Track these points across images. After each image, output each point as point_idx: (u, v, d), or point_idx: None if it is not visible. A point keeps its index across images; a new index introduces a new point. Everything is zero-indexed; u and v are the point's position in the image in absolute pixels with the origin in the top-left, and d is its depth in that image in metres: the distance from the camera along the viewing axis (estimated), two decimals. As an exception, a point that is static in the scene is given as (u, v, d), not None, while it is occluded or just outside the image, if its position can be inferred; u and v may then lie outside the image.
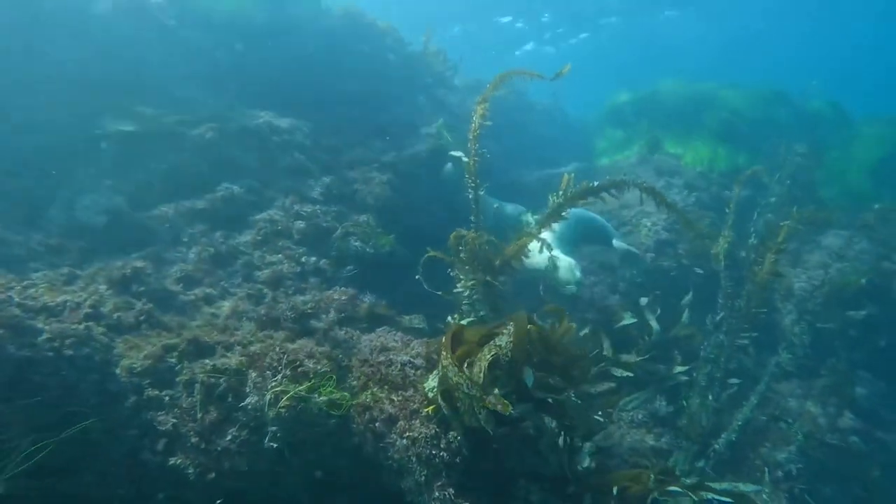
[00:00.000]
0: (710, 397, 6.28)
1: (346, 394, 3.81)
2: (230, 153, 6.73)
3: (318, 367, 3.90)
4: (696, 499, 4.29)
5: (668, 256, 7.44)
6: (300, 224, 6.05)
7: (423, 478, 3.44)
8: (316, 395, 3.76)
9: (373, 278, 5.82)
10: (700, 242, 7.48)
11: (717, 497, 4.30)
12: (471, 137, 4.58)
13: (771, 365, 6.91)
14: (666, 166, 8.97)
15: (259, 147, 6.93)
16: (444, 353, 3.61)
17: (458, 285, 4.59)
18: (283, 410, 3.71)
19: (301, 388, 3.78)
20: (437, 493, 3.37)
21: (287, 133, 7.15)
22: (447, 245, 4.71)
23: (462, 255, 4.61)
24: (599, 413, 5.27)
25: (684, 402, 6.07)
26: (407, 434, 3.53)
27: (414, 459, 3.48)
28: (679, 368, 6.51)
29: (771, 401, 6.58)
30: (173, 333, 4.51)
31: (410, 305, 5.49)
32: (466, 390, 3.35)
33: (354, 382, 3.93)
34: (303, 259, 5.71)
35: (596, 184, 6.39)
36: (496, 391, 3.42)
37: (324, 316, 4.85)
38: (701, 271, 7.37)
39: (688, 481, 4.61)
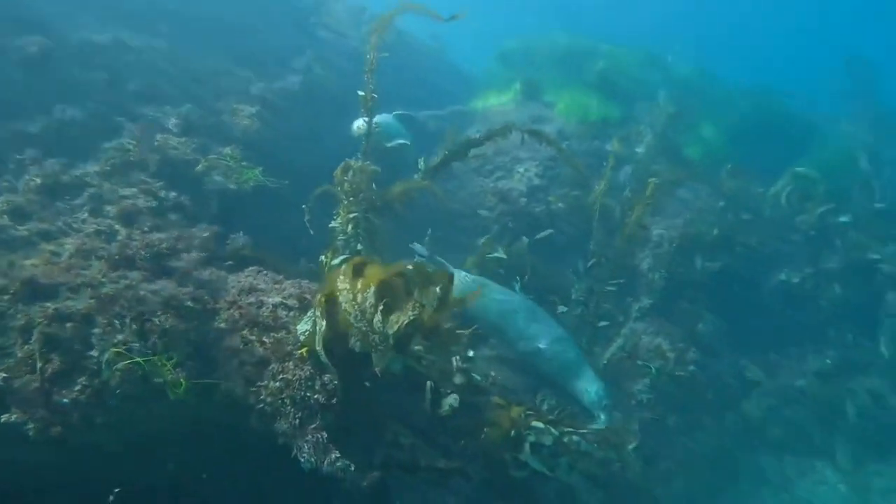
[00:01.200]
0: (584, 339, 6.72)
1: (181, 380, 3.49)
2: (69, 72, 5.93)
3: (168, 325, 3.55)
4: (556, 433, 4.55)
5: (540, 202, 7.67)
6: (155, 156, 5.48)
7: (297, 420, 3.33)
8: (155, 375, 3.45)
9: (242, 217, 5.44)
10: (573, 193, 7.82)
11: (576, 431, 4.58)
12: (367, 70, 4.43)
13: (633, 308, 7.49)
14: (540, 114, 9.17)
15: (105, 66, 6.15)
16: (345, 283, 3.47)
17: (336, 220, 4.41)
18: (119, 373, 3.39)
19: (140, 359, 3.43)
20: (310, 436, 3.29)
21: (140, 53, 6.40)
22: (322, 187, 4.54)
23: (346, 185, 4.45)
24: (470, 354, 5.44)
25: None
26: (281, 376, 3.38)
27: (288, 402, 3.36)
28: (562, 308, 6.86)
29: (630, 339, 7.11)
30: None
31: (282, 246, 5.22)
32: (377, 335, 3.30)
33: (222, 325, 3.67)
34: (161, 193, 5.19)
35: (479, 135, 6.46)
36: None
37: (185, 255, 4.45)
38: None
39: (551, 417, 4.89)
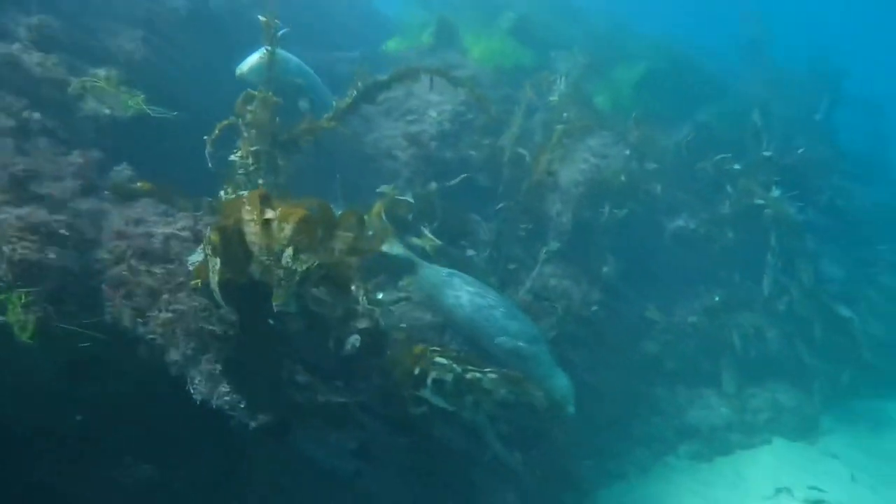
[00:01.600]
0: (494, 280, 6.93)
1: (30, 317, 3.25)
2: None
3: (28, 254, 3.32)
4: (459, 370, 4.72)
5: (451, 147, 7.69)
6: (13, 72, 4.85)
7: (190, 351, 3.29)
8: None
9: (129, 148, 5.03)
10: (485, 142, 7.89)
11: (479, 370, 4.74)
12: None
13: (542, 252, 7.76)
14: (455, 59, 9.10)
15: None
16: (251, 215, 3.41)
17: (237, 153, 4.27)
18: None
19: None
20: (204, 366, 3.26)
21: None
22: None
23: (249, 117, 4.30)
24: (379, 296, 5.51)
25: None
26: (173, 307, 3.31)
27: (180, 333, 3.30)
28: (470, 252, 7.01)
29: (538, 281, 7.37)
30: None
31: (175, 180, 4.95)
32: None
33: (106, 256, 3.52)
34: (24, 114, 4.57)
35: (387, 77, 6.36)
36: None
37: (58, 183, 4.04)
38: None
39: (455, 354, 5.06)
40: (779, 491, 6.51)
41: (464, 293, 5.67)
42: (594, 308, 7.32)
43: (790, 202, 8.88)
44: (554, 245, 7.73)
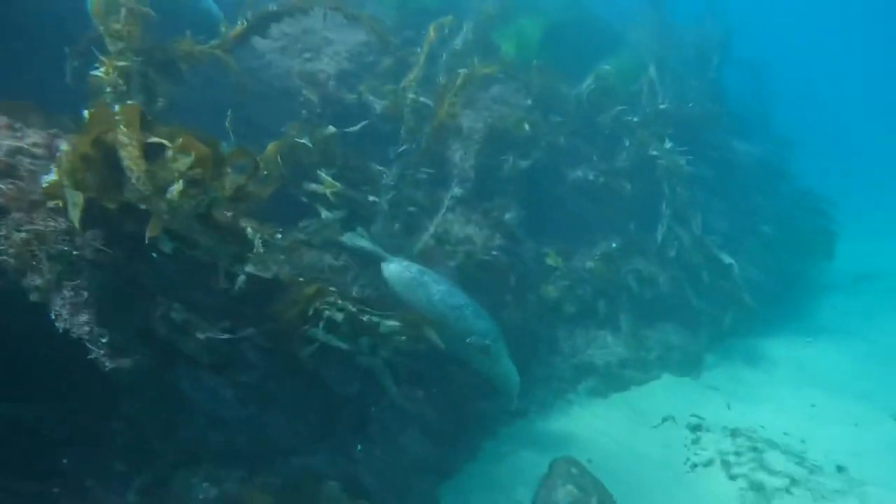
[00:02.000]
0: (396, 224, 6.82)
1: None
2: None
3: None
4: (353, 309, 4.60)
5: (351, 89, 7.43)
6: None
7: (52, 276, 2.97)
8: None
9: None
10: (387, 86, 7.67)
11: (372, 311, 4.64)
12: None
13: (445, 197, 7.71)
14: (354, -1, 8.73)
15: None
16: (129, 137, 3.08)
17: (101, 69, 3.86)
18: None
19: None
20: (68, 293, 2.96)
21: None
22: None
23: (115, 27, 3.87)
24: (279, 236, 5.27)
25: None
26: (28, 227, 2.96)
27: (42, 255, 2.97)
28: (373, 198, 6.84)
29: (441, 227, 7.34)
30: None
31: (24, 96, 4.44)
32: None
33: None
34: None
35: (278, 8, 5.99)
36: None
37: None
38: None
39: (353, 295, 4.94)
40: (665, 419, 6.92)
41: (436, 292, 5.63)
42: (494, 253, 7.40)
43: (681, 155, 9.29)
44: (457, 191, 7.72)
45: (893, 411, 7.07)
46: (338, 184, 6.42)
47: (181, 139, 3.70)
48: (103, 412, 3.61)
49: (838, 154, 28.14)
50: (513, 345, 7.30)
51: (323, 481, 4.32)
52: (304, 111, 7.00)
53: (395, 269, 5.83)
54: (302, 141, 6.34)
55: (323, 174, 6.36)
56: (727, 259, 9.26)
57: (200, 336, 3.58)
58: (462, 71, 7.49)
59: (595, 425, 7.00)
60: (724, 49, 11.63)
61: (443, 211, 7.53)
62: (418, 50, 7.42)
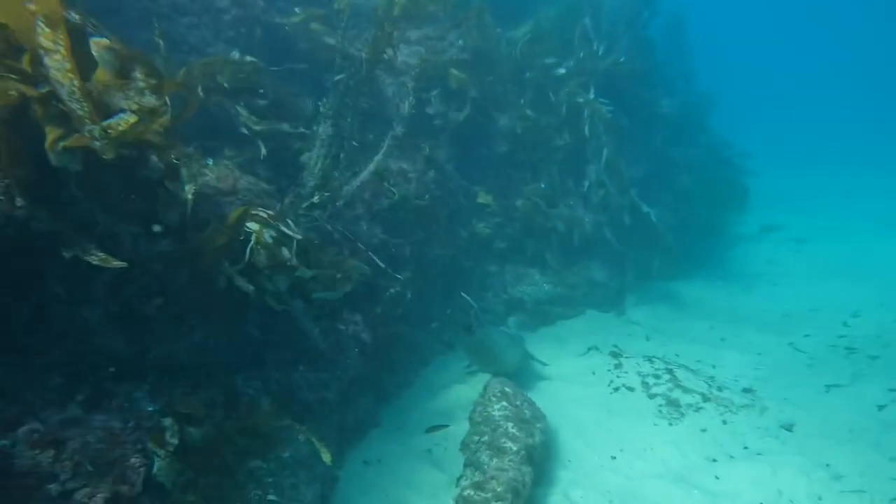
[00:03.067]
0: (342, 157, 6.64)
1: None
2: None
3: None
4: (284, 229, 4.49)
5: (281, 11, 7.14)
6: None
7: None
8: None
9: None
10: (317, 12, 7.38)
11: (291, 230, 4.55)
12: None
13: (387, 135, 7.61)
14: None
15: None
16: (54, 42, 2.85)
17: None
18: None
19: None
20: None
21: None
22: None
23: None
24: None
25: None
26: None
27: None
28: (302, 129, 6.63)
29: (381, 164, 7.24)
30: None
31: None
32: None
33: None
34: None
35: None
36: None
37: None
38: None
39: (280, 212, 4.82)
40: (590, 349, 7.28)
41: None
42: (432, 189, 7.43)
43: (606, 105, 9.51)
44: (399, 130, 7.64)
45: (790, 339, 7.74)
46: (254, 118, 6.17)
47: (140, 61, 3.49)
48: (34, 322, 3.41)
49: (761, 111, 29.97)
50: (443, 278, 7.47)
51: (260, 398, 4.28)
52: (230, 31, 6.62)
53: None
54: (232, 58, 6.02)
55: (241, 110, 6.09)
56: (645, 208, 9.64)
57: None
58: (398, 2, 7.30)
59: (524, 352, 7.28)
60: (653, 3, 11.89)
61: (384, 149, 7.43)
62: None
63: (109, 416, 3.34)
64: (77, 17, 3.40)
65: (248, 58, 6.34)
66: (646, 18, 11.91)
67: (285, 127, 6.51)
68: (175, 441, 3.46)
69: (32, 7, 3.05)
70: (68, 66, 3.04)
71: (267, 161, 6.02)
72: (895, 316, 8.03)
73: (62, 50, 3.04)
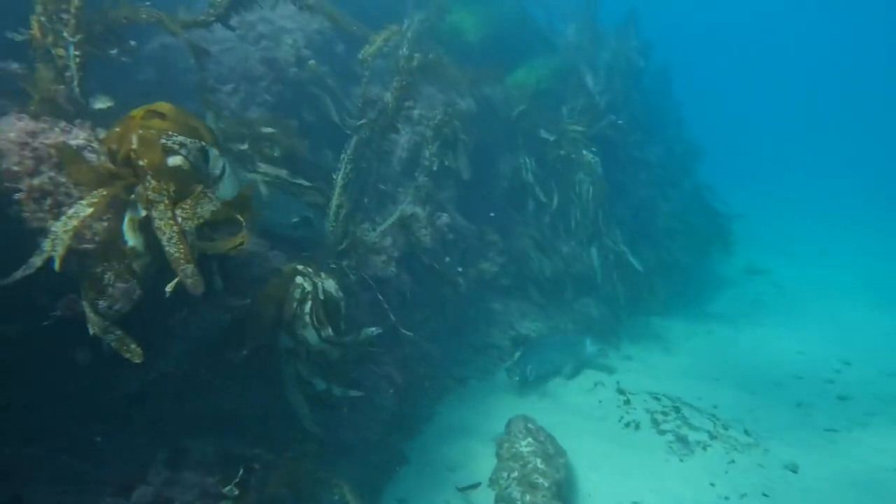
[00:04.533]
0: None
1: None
2: None
3: None
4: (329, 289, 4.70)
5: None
6: None
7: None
8: None
9: None
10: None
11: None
12: None
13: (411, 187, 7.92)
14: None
15: None
16: None
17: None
18: None
19: None
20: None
21: None
22: None
23: None
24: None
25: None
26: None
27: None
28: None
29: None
30: None
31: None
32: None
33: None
34: None
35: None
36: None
37: None
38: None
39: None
40: (596, 384, 7.61)
41: None
42: (444, 231, 7.76)
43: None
44: (422, 179, 7.99)
45: (776, 380, 8.19)
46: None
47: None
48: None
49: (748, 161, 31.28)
50: (453, 314, 7.75)
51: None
52: (267, 96, 6.96)
53: None
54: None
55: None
56: (631, 257, 9.85)
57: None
58: (416, 55, 7.62)
59: (531, 390, 7.56)
60: (647, 55, 12.50)
61: (410, 197, 7.74)
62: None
63: (195, 472, 3.52)
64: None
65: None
66: (640, 69, 12.47)
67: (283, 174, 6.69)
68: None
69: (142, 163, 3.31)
70: (170, 215, 3.23)
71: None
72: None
73: (165, 200, 3.25)
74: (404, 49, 7.24)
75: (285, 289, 4.36)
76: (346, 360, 4.80)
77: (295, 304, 4.29)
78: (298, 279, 4.45)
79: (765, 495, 5.49)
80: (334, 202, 6.78)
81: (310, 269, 4.63)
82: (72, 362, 3.29)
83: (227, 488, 3.54)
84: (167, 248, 3.11)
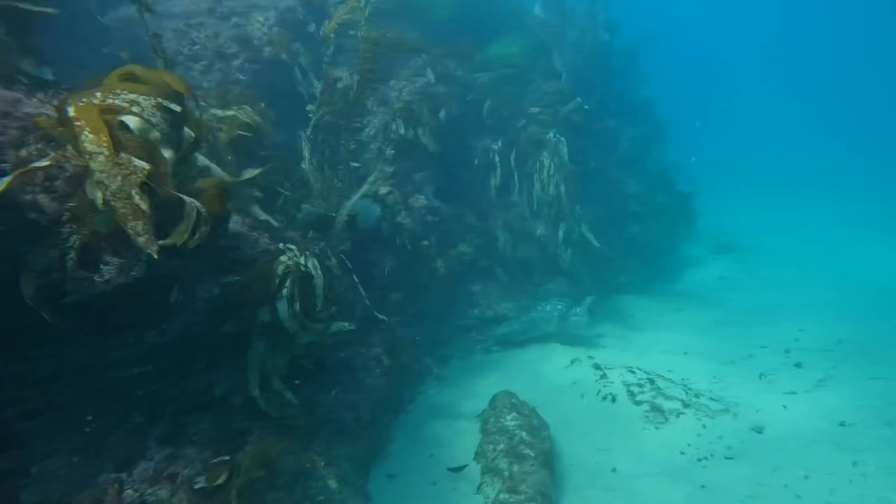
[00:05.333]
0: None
1: None
2: None
3: None
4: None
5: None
6: None
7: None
8: None
9: None
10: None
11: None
12: None
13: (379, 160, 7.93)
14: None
15: None
16: None
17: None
18: None
19: None
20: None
21: None
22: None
23: None
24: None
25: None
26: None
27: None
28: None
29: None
30: None
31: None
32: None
33: None
34: None
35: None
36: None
37: None
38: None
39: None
40: (573, 361, 7.83)
41: None
42: (423, 214, 7.83)
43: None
44: (389, 153, 8.02)
45: (743, 354, 8.54)
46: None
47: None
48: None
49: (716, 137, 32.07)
50: (433, 294, 7.86)
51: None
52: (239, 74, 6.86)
53: None
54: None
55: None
56: (592, 239, 10.04)
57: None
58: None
59: (513, 365, 7.76)
60: (614, 32, 12.56)
61: (375, 174, 7.74)
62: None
63: (196, 448, 3.56)
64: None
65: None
66: (608, 47, 12.55)
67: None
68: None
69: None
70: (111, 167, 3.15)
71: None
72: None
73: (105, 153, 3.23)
74: (363, 26, 7.09)
75: (272, 265, 4.40)
76: (323, 345, 4.87)
77: (276, 280, 4.34)
78: (282, 257, 4.49)
79: (728, 458, 5.76)
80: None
81: (293, 248, 4.68)
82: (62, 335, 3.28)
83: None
84: (112, 203, 3.06)
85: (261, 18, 7.71)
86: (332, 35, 7.29)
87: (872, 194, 22.43)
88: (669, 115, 14.22)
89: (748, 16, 59.78)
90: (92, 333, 3.42)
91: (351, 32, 8.13)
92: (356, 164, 7.06)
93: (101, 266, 3.21)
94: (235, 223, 4.97)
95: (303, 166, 6.76)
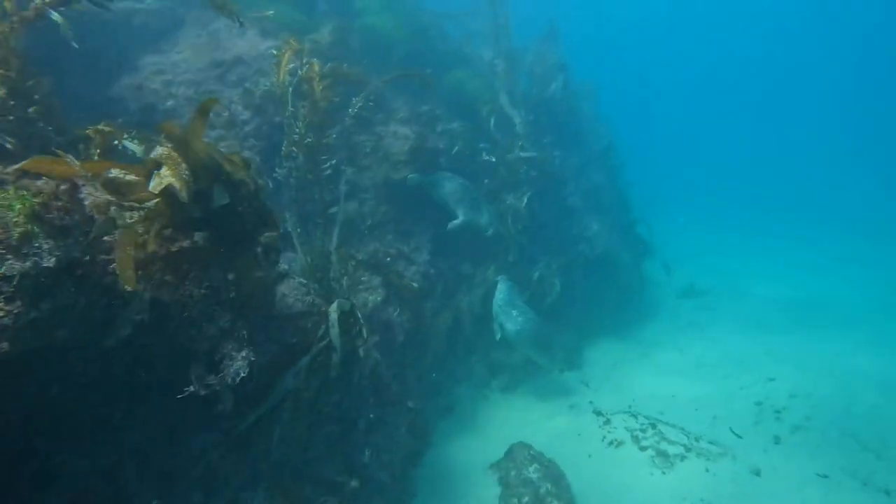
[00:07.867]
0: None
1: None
2: None
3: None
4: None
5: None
6: None
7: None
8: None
9: None
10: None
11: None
12: None
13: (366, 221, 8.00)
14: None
15: None
16: None
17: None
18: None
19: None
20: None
21: None
22: None
23: None
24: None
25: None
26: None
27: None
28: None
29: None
30: None
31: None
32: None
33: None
34: None
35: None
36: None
37: None
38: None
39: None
40: (571, 406, 8.08)
41: None
42: (429, 270, 8.03)
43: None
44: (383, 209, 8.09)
45: (727, 395, 8.91)
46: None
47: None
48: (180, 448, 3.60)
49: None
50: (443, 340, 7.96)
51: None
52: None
53: None
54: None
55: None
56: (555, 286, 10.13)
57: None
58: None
59: (513, 415, 7.92)
60: (566, 72, 12.52)
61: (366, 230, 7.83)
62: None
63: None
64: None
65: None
66: (559, 94, 12.33)
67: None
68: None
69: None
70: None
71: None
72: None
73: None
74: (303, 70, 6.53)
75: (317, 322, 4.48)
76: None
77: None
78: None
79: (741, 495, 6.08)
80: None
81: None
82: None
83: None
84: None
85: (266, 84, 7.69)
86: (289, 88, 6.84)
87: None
88: (634, 157, 14.56)
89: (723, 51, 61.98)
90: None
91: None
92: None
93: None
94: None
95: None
